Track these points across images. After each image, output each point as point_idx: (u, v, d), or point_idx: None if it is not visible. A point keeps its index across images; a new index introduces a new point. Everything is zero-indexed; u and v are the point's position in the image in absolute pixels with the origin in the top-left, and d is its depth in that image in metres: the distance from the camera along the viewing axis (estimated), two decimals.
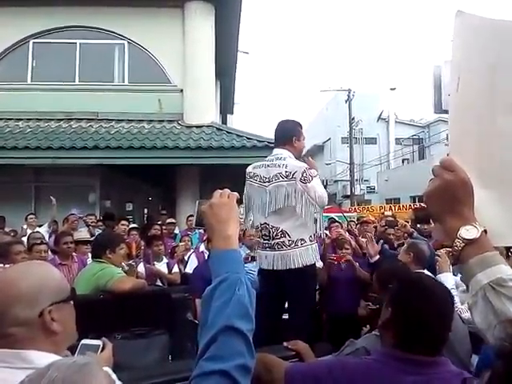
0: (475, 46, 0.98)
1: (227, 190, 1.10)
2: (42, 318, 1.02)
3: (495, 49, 0.95)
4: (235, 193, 1.11)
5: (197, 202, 1.20)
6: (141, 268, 4.48)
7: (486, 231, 0.88)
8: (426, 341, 1.26)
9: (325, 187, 3.12)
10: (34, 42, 9.62)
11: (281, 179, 2.88)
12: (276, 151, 3.02)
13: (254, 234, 3.49)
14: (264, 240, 2.94)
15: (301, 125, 3.18)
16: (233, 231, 1.04)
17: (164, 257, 4.83)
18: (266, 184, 2.92)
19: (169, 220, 7.15)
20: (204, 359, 0.85)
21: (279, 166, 2.92)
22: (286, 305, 3.07)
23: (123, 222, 5.96)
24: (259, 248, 3.02)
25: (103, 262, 3.02)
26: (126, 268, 3.33)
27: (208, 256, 4.01)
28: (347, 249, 4.16)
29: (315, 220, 2.93)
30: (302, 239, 2.88)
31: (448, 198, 0.90)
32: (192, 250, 5.35)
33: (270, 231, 2.89)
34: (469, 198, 0.91)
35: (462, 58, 1.01)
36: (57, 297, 1.07)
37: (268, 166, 2.96)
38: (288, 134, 3.05)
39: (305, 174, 2.85)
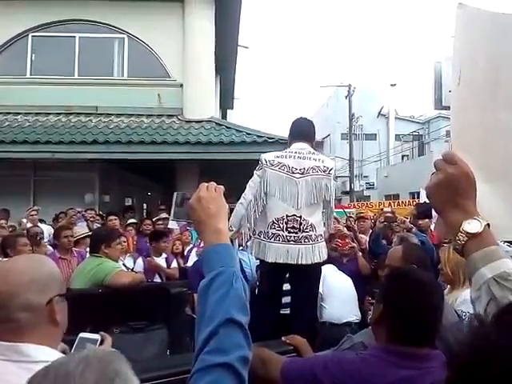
0: (477, 39, 0.97)
1: (213, 183, 1.10)
2: (49, 306, 1.05)
3: (497, 42, 0.94)
4: (221, 186, 1.10)
5: (175, 194, 1.18)
6: (139, 262, 4.50)
7: (488, 225, 0.88)
8: (417, 332, 1.27)
9: None
10: (33, 36, 9.58)
11: (319, 173, 2.86)
12: (302, 145, 2.96)
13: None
14: (290, 233, 2.80)
15: None
16: (224, 225, 1.04)
17: (163, 252, 4.83)
18: (297, 175, 2.85)
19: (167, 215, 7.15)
20: (206, 353, 0.84)
21: (315, 159, 2.90)
22: (285, 300, 3.06)
23: (111, 217, 5.90)
24: (277, 241, 2.82)
25: (100, 256, 3.03)
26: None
27: None
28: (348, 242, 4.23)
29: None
30: (321, 234, 2.90)
31: (451, 191, 0.90)
32: (192, 245, 5.35)
33: (301, 224, 2.80)
34: (472, 191, 0.90)
35: (463, 51, 1.00)
36: (61, 290, 1.11)
37: (299, 157, 2.89)
38: (313, 132, 3.11)
39: (335, 173, 2.95)
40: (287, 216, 2.81)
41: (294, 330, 2.20)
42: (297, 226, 2.80)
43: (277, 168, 2.87)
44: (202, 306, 0.92)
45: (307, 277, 2.85)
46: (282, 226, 2.81)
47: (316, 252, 2.83)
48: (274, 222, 2.83)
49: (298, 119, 3.16)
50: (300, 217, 2.80)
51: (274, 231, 2.82)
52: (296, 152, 2.91)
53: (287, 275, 2.97)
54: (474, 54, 0.98)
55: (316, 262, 2.83)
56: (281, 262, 2.79)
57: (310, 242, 2.81)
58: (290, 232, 2.80)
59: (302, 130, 3.06)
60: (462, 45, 1.01)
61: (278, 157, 2.91)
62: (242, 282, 0.95)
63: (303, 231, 2.80)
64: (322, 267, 3.19)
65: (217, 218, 1.03)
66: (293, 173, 2.85)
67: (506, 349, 0.54)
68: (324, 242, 2.95)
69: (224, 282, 0.92)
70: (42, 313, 1.03)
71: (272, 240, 2.82)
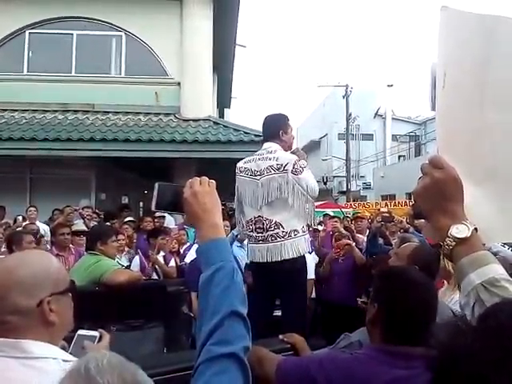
0: (461, 41, 0.97)
1: (206, 178, 1.10)
2: (40, 308, 1.02)
3: (482, 44, 0.94)
4: (213, 181, 1.10)
5: (156, 184, 1.17)
6: (136, 261, 4.49)
7: (476, 229, 0.87)
8: (411, 332, 1.27)
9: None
10: (30, 33, 9.51)
11: (273, 172, 2.90)
12: (266, 145, 3.05)
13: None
14: (258, 233, 2.92)
15: (287, 117, 3.18)
16: (219, 219, 1.05)
17: (161, 250, 4.83)
18: (258, 177, 2.93)
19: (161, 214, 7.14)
20: (212, 344, 0.87)
21: (270, 158, 2.94)
22: (277, 301, 3.07)
23: (113, 220, 5.96)
24: (251, 242, 2.99)
25: (97, 254, 3.03)
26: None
27: None
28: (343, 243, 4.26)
29: (307, 211, 2.96)
30: (295, 230, 2.89)
31: (438, 195, 0.88)
32: (189, 243, 5.34)
33: (264, 223, 2.89)
34: (459, 195, 0.89)
35: (448, 53, 1.00)
36: (56, 288, 1.07)
37: (258, 159, 2.99)
38: (275, 128, 3.09)
39: (296, 166, 2.90)
40: (254, 217, 2.95)
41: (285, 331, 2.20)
42: (261, 226, 2.92)
43: (243, 174, 3.03)
44: (205, 298, 0.94)
45: (282, 273, 2.86)
46: (251, 227, 2.96)
47: (287, 248, 2.85)
48: (245, 225, 3.01)
49: (264, 118, 3.19)
50: (262, 217, 2.91)
51: (247, 233, 3.02)
52: (258, 154, 3.04)
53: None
54: (460, 57, 0.97)
55: (290, 257, 2.84)
56: (255, 261, 2.93)
57: (278, 240, 2.87)
58: (258, 232, 2.93)
59: (265, 130, 3.14)
60: (447, 47, 1.00)
61: (245, 162, 3.06)
62: (240, 275, 0.98)
63: (267, 230, 2.89)
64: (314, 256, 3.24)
65: (213, 213, 1.04)
66: (255, 175, 2.96)
67: (475, 358, 0.55)
68: (301, 237, 2.91)
69: (225, 276, 0.95)
70: (33, 315, 1.01)
71: (250, 242, 3.03)
